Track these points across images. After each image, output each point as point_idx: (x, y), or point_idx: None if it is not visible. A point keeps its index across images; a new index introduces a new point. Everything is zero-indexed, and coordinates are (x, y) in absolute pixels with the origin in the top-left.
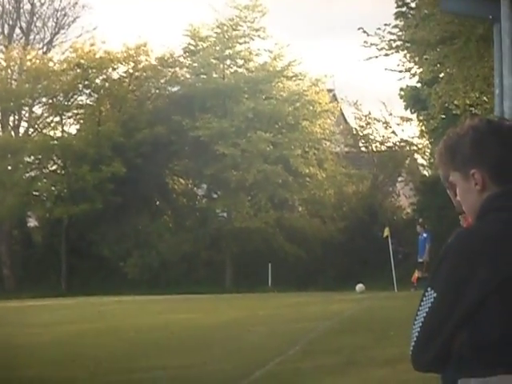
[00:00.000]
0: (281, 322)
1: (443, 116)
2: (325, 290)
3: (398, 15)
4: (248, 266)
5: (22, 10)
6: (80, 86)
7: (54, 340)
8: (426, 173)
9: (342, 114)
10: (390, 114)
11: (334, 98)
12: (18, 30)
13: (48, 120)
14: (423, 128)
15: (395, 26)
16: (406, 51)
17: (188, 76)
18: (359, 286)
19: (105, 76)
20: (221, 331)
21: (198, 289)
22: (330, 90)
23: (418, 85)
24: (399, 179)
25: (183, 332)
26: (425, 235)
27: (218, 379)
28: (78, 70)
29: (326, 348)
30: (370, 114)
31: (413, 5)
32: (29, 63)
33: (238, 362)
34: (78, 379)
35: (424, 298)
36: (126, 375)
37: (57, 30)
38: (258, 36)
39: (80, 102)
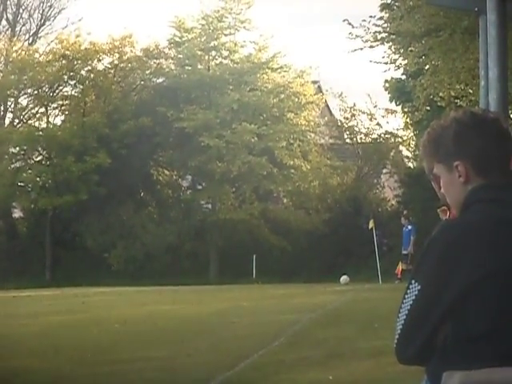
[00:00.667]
0: (265, 313)
1: (428, 108)
2: (309, 281)
3: (383, 7)
4: (232, 257)
5: (8, 2)
6: (65, 77)
7: (38, 331)
8: (410, 165)
9: (327, 106)
10: (375, 106)
11: (319, 90)
12: (4, 22)
13: (33, 111)
14: (408, 120)
15: (380, 18)
16: (391, 43)
17: (173, 67)
18: (343, 278)
19: (90, 67)
20: (205, 323)
21: (183, 280)
22: (314, 82)
23: (403, 77)
24: (384, 171)
25: (167, 323)
26: (409, 227)
27: (201, 370)
28: (64, 61)
29: (310, 340)
30: (354, 105)
31: None
32: (14, 54)
33: (221, 353)
34: (62, 370)
35: (408, 291)
36: (111, 366)
37: (42, 21)
38: (244, 28)
39: (65, 93)
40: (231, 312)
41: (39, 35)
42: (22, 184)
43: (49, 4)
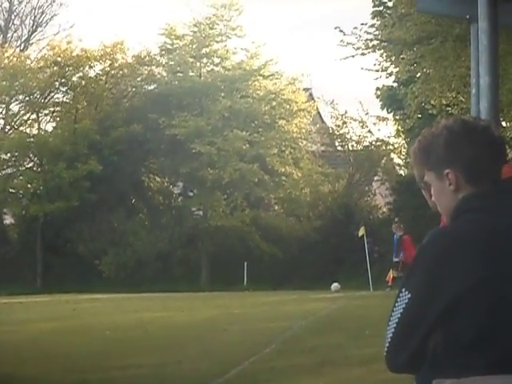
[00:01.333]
0: (256, 320)
1: (419, 116)
2: (300, 288)
3: (374, 14)
4: (224, 264)
5: (0, 8)
6: (57, 83)
7: (29, 337)
8: (402, 172)
9: (319, 113)
10: (367, 114)
11: (311, 97)
12: None
13: (25, 117)
14: (399, 127)
15: (372, 26)
16: (382, 51)
17: (164, 74)
18: (334, 285)
19: (81, 74)
20: (196, 330)
21: (174, 287)
22: (306, 89)
23: (395, 84)
24: (375, 178)
25: (158, 330)
26: (400, 234)
27: (192, 378)
28: (55, 68)
29: (301, 347)
30: (346, 113)
31: (390, 4)
32: (6, 61)
33: (212, 360)
34: (52, 377)
35: (398, 299)
36: (101, 373)
37: (34, 27)
38: (235, 35)
39: (57, 100)
40: (222, 319)
41: (31, 41)
42: (13, 190)
43: (40, 10)
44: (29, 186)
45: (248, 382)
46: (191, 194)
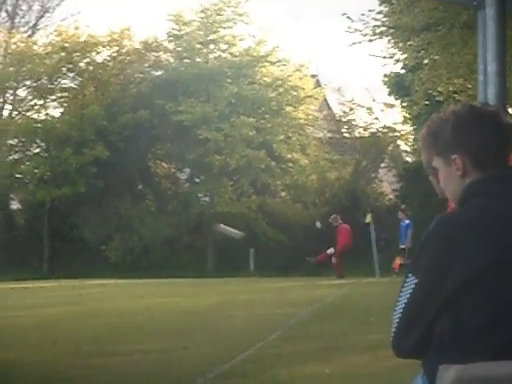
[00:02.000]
0: (262, 307)
1: (426, 102)
2: (306, 275)
3: (382, 1)
4: (230, 250)
5: None
6: (64, 69)
7: (35, 323)
8: (408, 159)
9: (326, 100)
10: (374, 100)
11: (318, 84)
12: (3, 14)
13: (32, 103)
14: (406, 114)
15: (379, 12)
16: (390, 37)
17: (172, 60)
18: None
19: (89, 60)
20: (202, 316)
21: (180, 273)
22: (313, 76)
23: (402, 71)
24: (382, 165)
25: (164, 316)
26: (407, 221)
27: (198, 363)
28: (63, 54)
29: (307, 333)
30: (353, 99)
31: None
32: (13, 46)
33: (218, 346)
34: (58, 362)
35: (405, 285)
36: (107, 358)
37: (42, 13)
38: (242, 21)
39: (64, 86)
40: (228, 305)
41: (38, 27)
42: (20, 176)
43: None
44: (36, 171)
45: (254, 368)
46: (198, 180)
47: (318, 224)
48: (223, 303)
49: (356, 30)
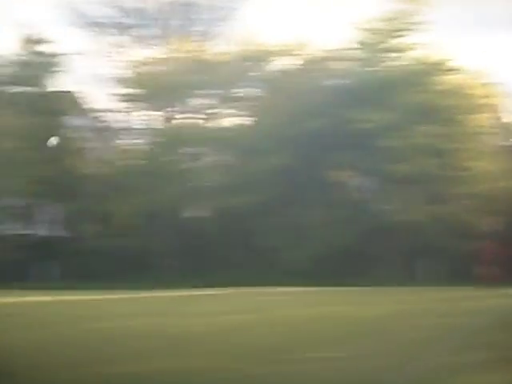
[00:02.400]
0: (433, 316)
1: None
2: (481, 285)
3: None
4: (403, 258)
5: (187, 3)
6: (247, 77)
7: (213, 330)
8: None
9: (502, 108)
10: None
11: (493, 92)
12: (182, 23)
13: (214, 111)
14: None
15: None
16: None
17: (352, 69)
18: None
19: (271, 68)
20: (378, 324)
21: (355, 281)
22: (488, 84)
23: None
24: None
25: (342, 324)
26: None
27: (372, 372)
28: (245, 63)
29: (478, 343)
30: None
31: None
32: (195, 55)
33: (393, 355)
34: (238, 369)
35: None
36: (285, 366)
37: (221, 22)
38: (419, 30)
39: (243, 94)
40: (403, 314)
41: (218, 36)
42: (203, 184)
43: (226, 5)
44: (218, 179)
45: (425, 379)
46: (374, 188)
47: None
48: (400, 312)
49: None
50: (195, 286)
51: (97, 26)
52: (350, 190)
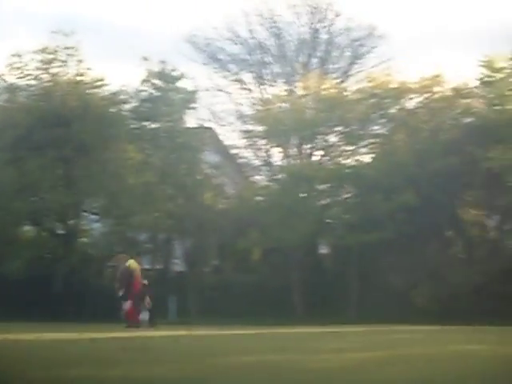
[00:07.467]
0: None
1: None
2: None
3: None
4: None
5: (318, 40)
6: (375, 115)
7: (341, 366)
8: None
9: None
10: None
11: None
12: (314, 60)
13: (342, 149)
14: None
15: None
16: None
17: (482, 107)
18: None
19: (399, 106)
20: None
21: (489, 320)
22: None
23: None
24: None
25: (475, 363)
26: None
27: None
28: (373, 100)
29: None
30: None
31: None
32: (325, 92)
33: None
34: None
35: None
36: None
37: (353, 59)
38: None
39: (374, 132)
40: None
41: (349, 73)
42: (329, 221)
43: (360, 43)
44: (345, 216)
45: None
46: (507, 227)
47: None
48: None
49: None
50: (324, 323)
51: (233, 62)
52: (483, 229)
